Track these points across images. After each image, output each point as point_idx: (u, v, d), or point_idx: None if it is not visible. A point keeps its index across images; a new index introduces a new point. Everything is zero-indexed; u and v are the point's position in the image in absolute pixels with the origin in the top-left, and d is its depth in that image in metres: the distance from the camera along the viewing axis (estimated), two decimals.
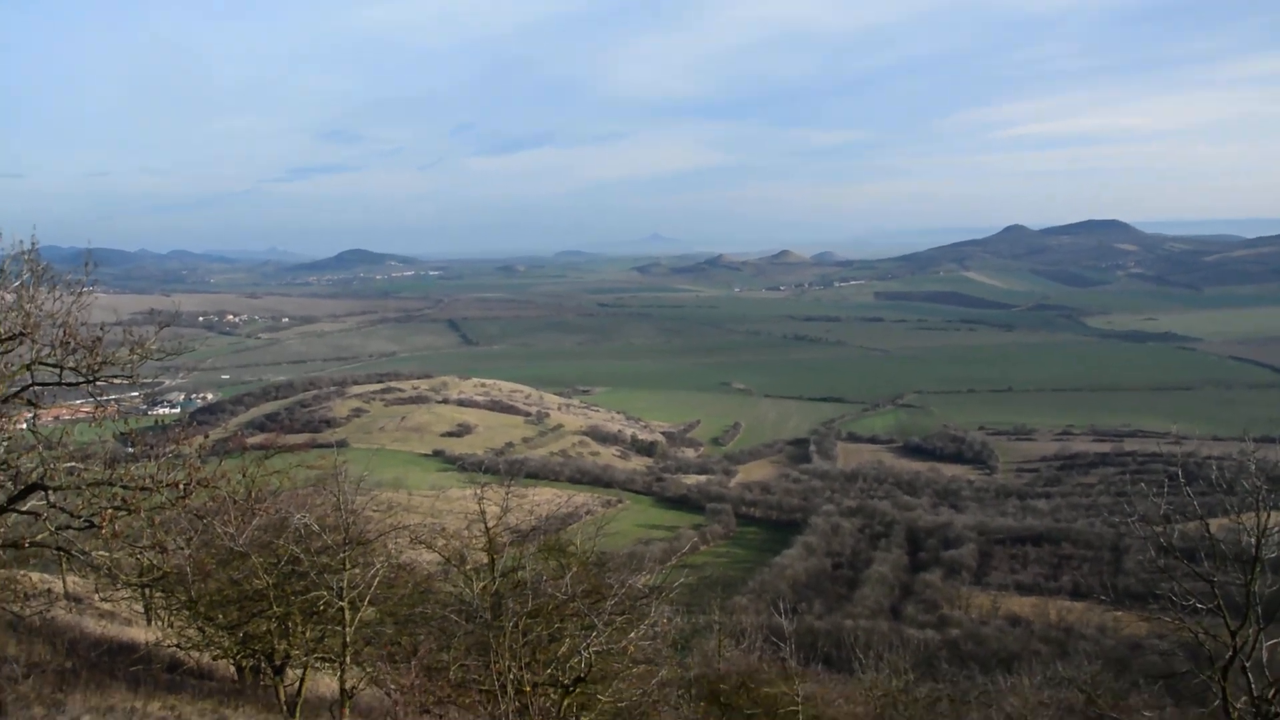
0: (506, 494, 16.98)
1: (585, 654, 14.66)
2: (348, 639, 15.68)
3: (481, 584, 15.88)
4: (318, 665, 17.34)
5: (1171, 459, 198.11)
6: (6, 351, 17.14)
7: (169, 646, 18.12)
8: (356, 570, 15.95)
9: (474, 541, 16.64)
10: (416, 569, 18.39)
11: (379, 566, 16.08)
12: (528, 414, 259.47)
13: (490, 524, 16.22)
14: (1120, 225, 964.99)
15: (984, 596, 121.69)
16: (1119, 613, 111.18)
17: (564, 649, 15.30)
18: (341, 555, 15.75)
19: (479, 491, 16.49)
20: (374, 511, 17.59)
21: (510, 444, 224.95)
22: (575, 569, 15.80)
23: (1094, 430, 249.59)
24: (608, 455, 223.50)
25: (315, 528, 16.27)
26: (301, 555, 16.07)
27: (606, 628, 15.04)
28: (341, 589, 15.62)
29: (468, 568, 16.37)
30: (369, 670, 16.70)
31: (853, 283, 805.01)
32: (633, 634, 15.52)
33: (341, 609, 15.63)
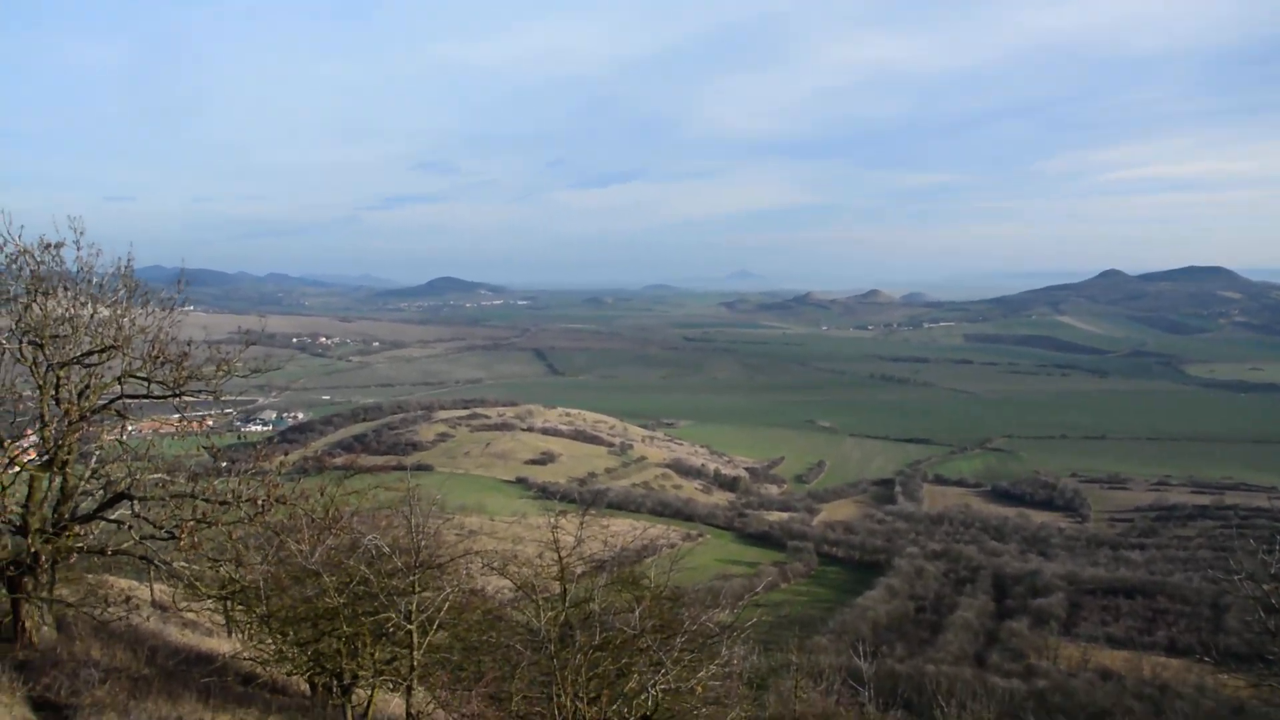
0: (582, 523, 16.79)
1: (653, 691, 14.29)
2: (415, 662, 15.66)
3: (551, 614, 15.57)
4: (385, 686, 17.38)
5: (1277, 514, 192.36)
6: (100, 364, 17.71)
7: (245, 659, 18.34)
8: (426, 594, 15.94)
9: (546, 570, 16.48)
10: (487, 595, 18.35)
11: (449, 591, 16.03)
12: (611, 445, 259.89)
13: (564, 553, 16.04)
14: (1223, 272, 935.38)
15: (1073, 648, 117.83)
16: (1224, 675, 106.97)
17: (631, 685, 14.91)
18: (411, 578, 15.75)
19: (553, 519, 16.32)
20: (452, 535, 17.64)
21: (593, 474, 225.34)
22: (647, 603, 15.47)
23: (1193, 481, 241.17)
24: (690, 489, 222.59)
25: (385, 549, 16.32)
26: (371, 576, 16.12)
27: (676, 665, 14.65)
28: (410, 612, 15.60)
29: (539, 596, 16.17)
30: (435, 695, 16.65)
31: (942, 324, 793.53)
32: (702, 673, 15.05)
33: (410, 631, 15.61)
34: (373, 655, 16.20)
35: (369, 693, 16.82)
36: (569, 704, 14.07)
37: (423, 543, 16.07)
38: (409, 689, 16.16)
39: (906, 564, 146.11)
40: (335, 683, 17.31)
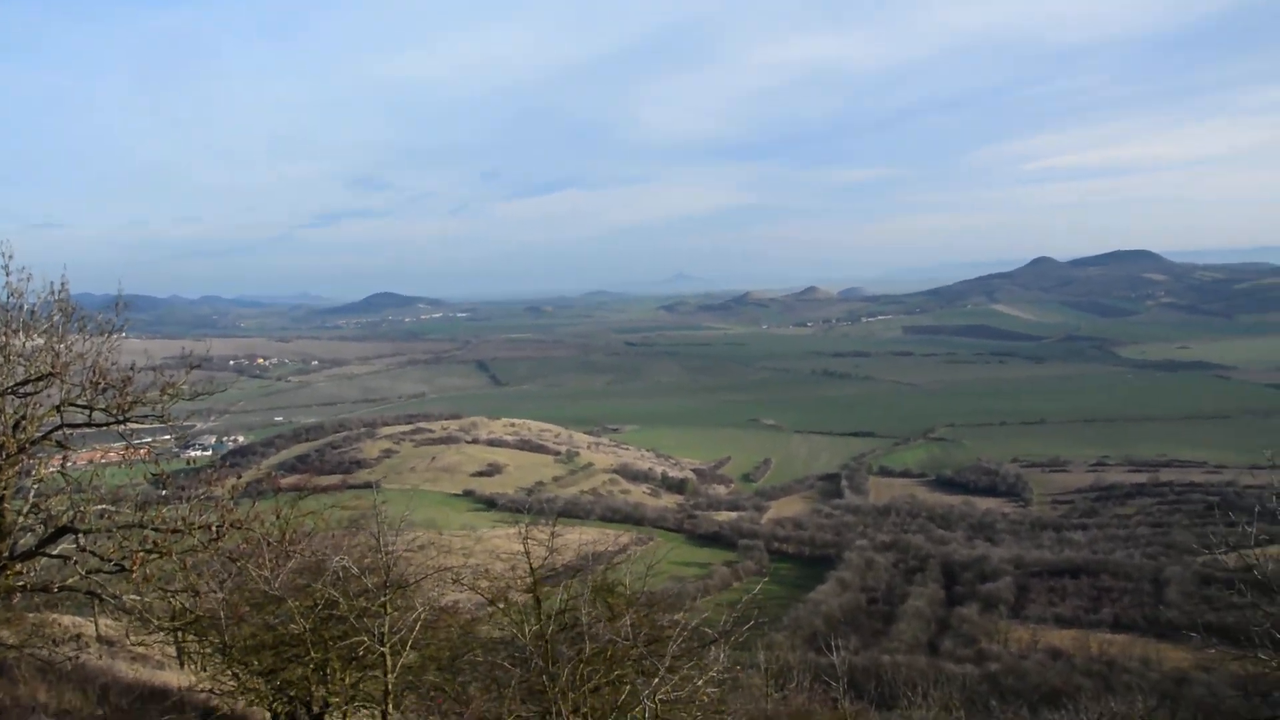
0: (552, 533, 16.45)
1: (650, 703, 13.88)
2: (389, 685, 15.28)
3: (535, 627, 15.09)
4: (357, 712, 16.98)
5: (1210, 489, 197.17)
6: (35, 393, 17.09)
7: (203, 691, 17.81)
8: (397, 614, 15.57)
9: (517, 582, 16.09)
10: (459, 612, 17.97)
11: (420, 610, 15.63)
12: (557, 453, 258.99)
13: (535, 563, 15.64)
14: (1149, 255, 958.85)
15: (1023, 630, 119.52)
16: (1166, 646, 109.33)
17: (624, 697, 14.51)
18: (382, 599, 15.37)
19: (523, 530, 15.93)
20: (409, 552, 17.20)
21: (540, 483, 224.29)
22: (633, 611, 15.11)
23: (1129, 461, 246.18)
24: (638, 493, 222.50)
25: (354, 570, 15.89)
26: (340, 599, 15.67)
27: (672, 675, 14.26)
28: (382, 634, 15.21)
29: (514, 610, 15.75)
30: (411, 718, 16.28)
31: (880, 318, 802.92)
32: (701, 681, 14.59)
33: (382, 654, 15.22)
34: (344, 680, 15.78)
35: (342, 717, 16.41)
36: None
37: (389, 561, 15.67)
38: (384, 713, 15.73)
39: (856, 556, 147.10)
40: (304, 711, 16.87)
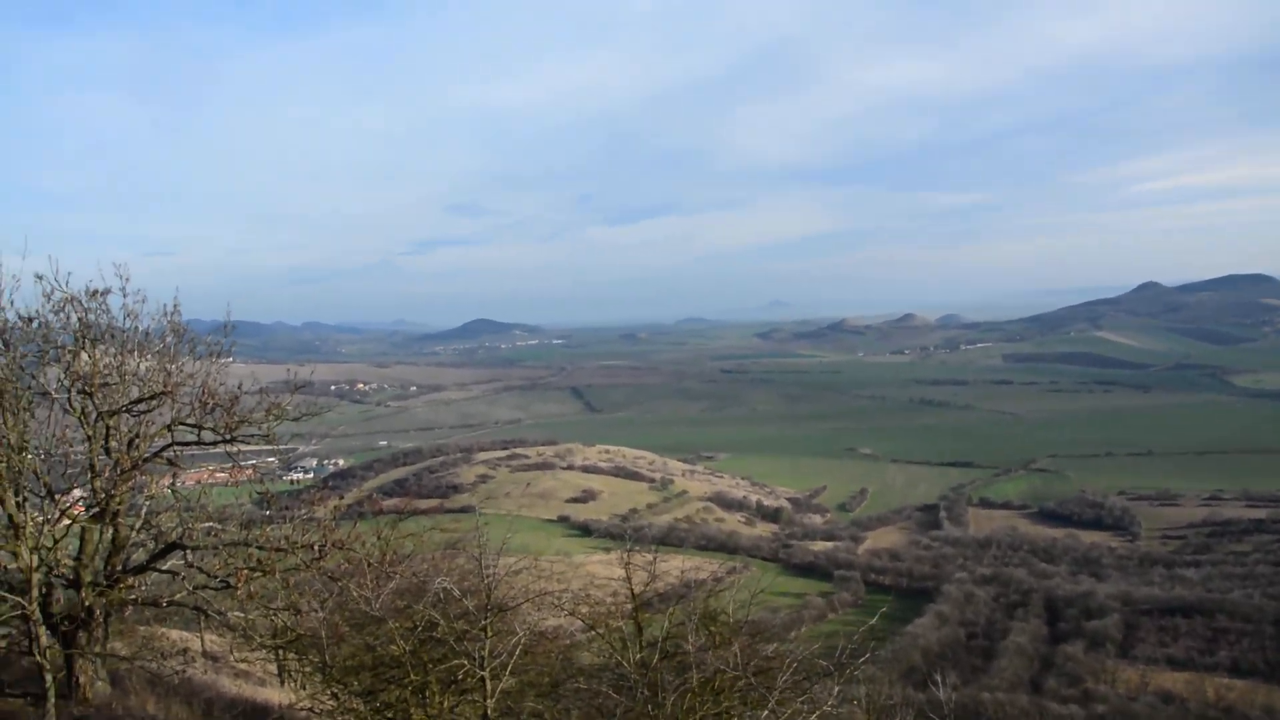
0: (654, 558, 16.22)
1: None
2: (489, 710, 15.19)
3: (638, 655, 14.73)
4: None
5: None
6: (148, 411, 17.62)
7: (302, 710, 18.01)
8: (496, 638, 15.52)
9: (617, 609, 15.86)
10: (559, 637, 17.85)
11: (521, 635, 15.53)
12: (652, 480, 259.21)
13: (636, 589, 15.37)
14: (1267, 279, 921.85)
15: (1132, 671, 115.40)
16: None
17: None
18: (483, 622, 15.33)
19: (624, 555, 15.73)
20: (509, 576, 17.13)
21: (634, 510, 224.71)
22: (740, 640, 14.73)
23: (1246, 495, 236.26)
24: (732, 521, 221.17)
25: (456, 592, 15.89)
26: (440, 621, 15.67)
27: (783, 708, 13.83)
28: (483, 657, 15.15)
29: (614, 636, 15.50)
30: None
31: (980, 345, 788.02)
32: (814, 716, 14.08)
33: (482, 679, 15.15)
34: (442, 704, 15.75)
35: None
36: None
37: (491, 585, 15.63)
38: None
39: (955, 589, 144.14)
40: None
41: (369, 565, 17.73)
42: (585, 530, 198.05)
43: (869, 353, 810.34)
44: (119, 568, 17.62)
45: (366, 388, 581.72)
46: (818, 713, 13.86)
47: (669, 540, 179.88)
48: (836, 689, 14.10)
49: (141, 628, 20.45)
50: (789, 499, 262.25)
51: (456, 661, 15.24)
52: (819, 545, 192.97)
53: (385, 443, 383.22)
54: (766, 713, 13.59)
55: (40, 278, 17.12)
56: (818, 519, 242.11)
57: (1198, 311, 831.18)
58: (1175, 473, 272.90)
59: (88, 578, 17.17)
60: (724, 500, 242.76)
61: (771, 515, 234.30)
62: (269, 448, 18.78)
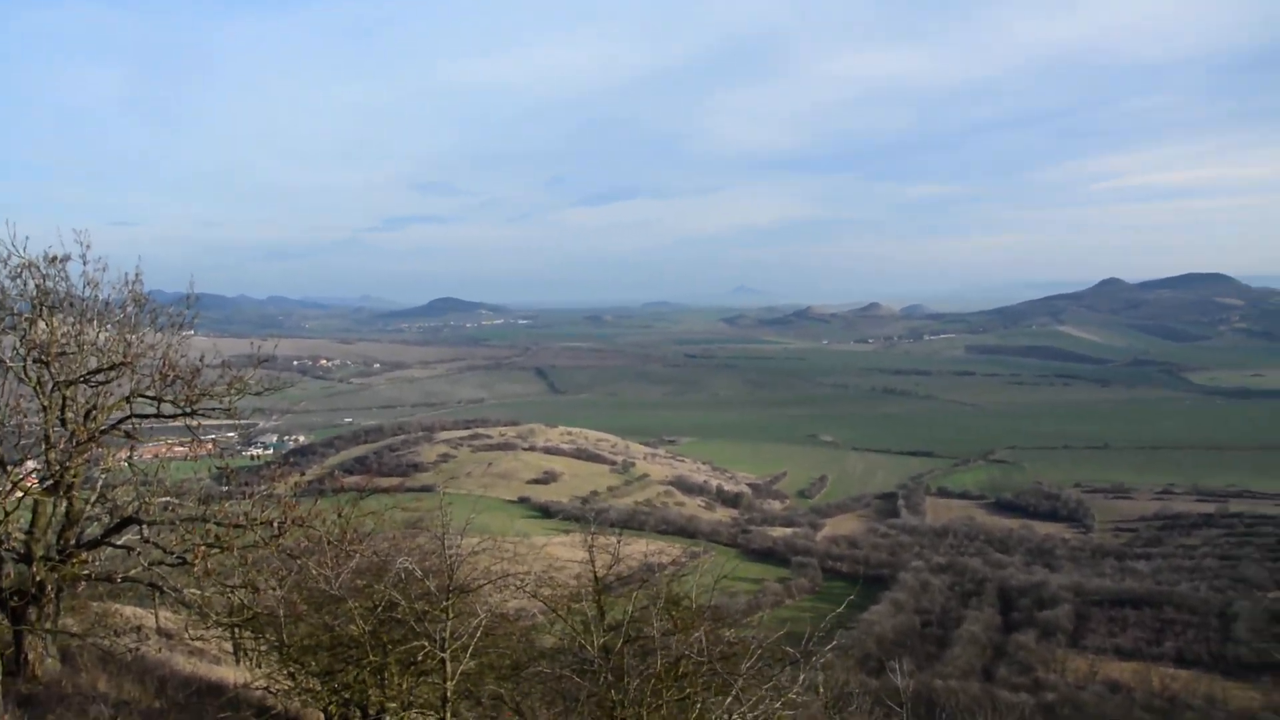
0: (618, 541, 16.07)
1: None
2: (448, 693, 15.03)
3: (602, 639, 14.51)
4: (415, 718, 16.77)
5: None
6: (107, 382, 17.26)
7: (258, 689, 17.78)
8: (457, 619, 15.33)
9: (579, 591, 15.69)
10: (520, 620, 17.69)
11: (482, 616, 15.34)
12: (613, 463, 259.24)
13: (599, 573, 15.18)
14: (1224, 279, 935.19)
15: (1081, 660, 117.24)
16: (1234, 685, 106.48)
17: (694, 716, 13.77)
18: (445, 603, 15.14)
19: (589, 538, 15.56)
20: (473, 556, 16.91)
21: (595, 492, 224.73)
22: (704, 626, 14.59)
23: (1197, 490, 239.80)
24: (693, 506, 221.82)
25: (418, 573, 15.67)
26: (401, 601, 15.44)
27: (749, 694, 13.70)
28: (444, 639, 14.96)
29: (576, 619, 15.32)
30: None
31: (943, 336, 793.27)
32: (779, 703, 13.92)
33: (443, 660, 14.97)
34: (401, 685, 15.57)
35: None
36: None
37: (454, 565, 15.42)
38: None
39: (911, 578, 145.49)
40: (359, 714, 16.72)
41: (329, 543, 17.49)
42: (546, 512, 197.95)
43: (833, 341, 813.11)
44: (72, 542, 17.30)
45: (329, 364, 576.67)
46: (783, 700, 13.77)
47: (630, 524, 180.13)
48: (802, 676, 14.01)
49: (94, 604, 20.07)
50: (749, 484, 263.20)
51: (417, 643, 15.08)
52: (778, 531, 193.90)
53: (350, 420, 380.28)
54: (730, 699, 13.52)
55: None
56: (777, 505, 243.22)
57: (1157, 309, 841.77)
58: (1130, 467, 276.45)
59: (39, 552, 16.83)
60: (685, 484, 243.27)
61: (731, 500, 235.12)
62: (230, 422, 18.51)
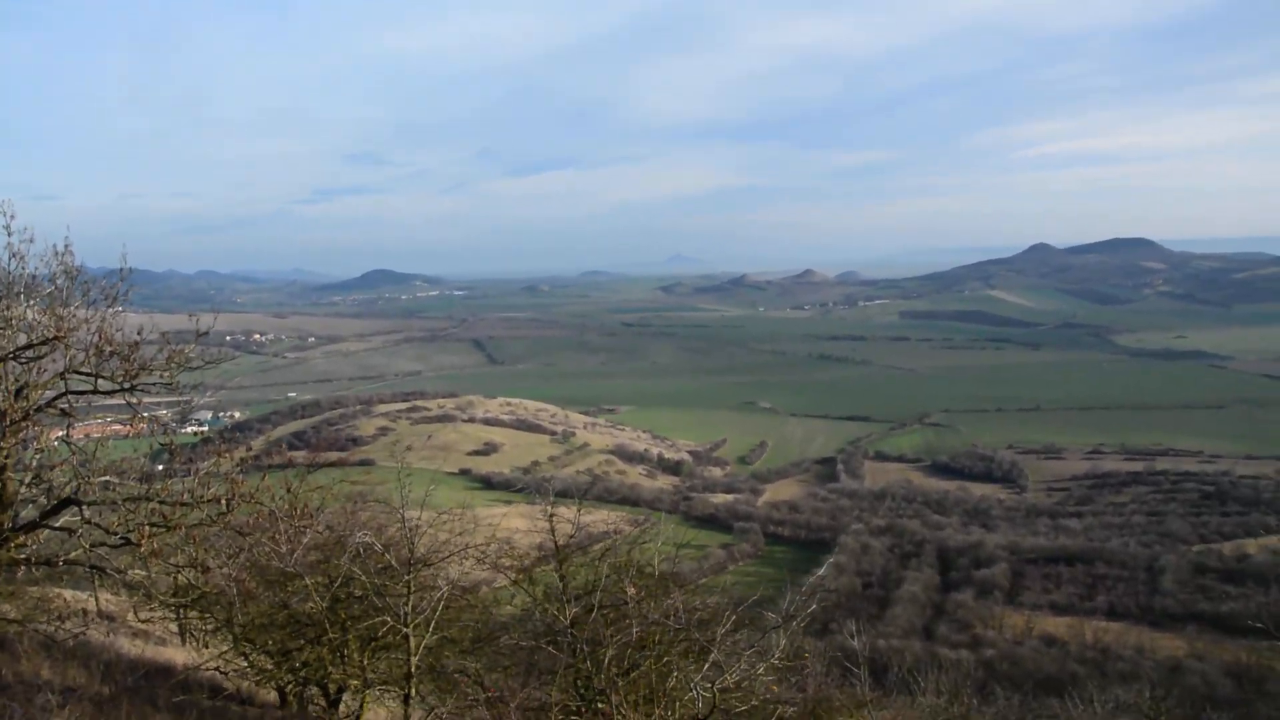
0: (579, 510, 15.76)
1: (703, 692, 12.76)
2: (412, 668, 14.70)
3: (573, 609, 14.19)
4: (376, 695, 16.42)
5: (1205, 478, 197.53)
6: (38, 358, 16.53)
7: (208, 669, 17.33)
8: (419, 593, 14.97)
9: (543, 562, 15.41)
10: (481, 592, 17.38)
11: (444, 589, 14.99)
12: (554, 433, 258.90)
13: (560, 541, 14.85)
14: (1147, 243, 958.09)
15: (1018, 616, 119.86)
16: (1160, 635, 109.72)
17: (672, 684, 13.49)
18: (406, 578, 14.75)
19: (548, 508, 15.20)
20: (431, 529, 16.54)
21: (536, 462, 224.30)
22: (682, 592, 14.32)
23: (1125, 449, 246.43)
24: (634, 474, 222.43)
25: (378, 547, 15.25)
26: (362, 577, 15.01)
27: (731, 661, 13.44)
28: (406, 614, 14.59)
29: (538, 590, 15.00)
30: (432, 702, 15.72)
31: (877, 302, 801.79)
32: (761, 667, 13.67)
33: (406, 635, 14.62)
34: (362, 662, 15.20)
35: (360, 703, 15.89)
36: (614, 710, 12.92)
37: (414, 539, 15.03)
38: (407, 697, 15.16)
39: (852, 541, 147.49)
40: (319, 692, 16.36)
41: (280, 519, 17.01)
42: (487, 483, 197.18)
43: (769, 308, 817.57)
44: (8, 525, 16.60)
45: (263, 338, 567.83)
46: (764, 665, 13.59)
47: (571, 493, 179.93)
48: (783, 642, 13.85)
49: (32, 589, 19.38)
50: (690, 452, 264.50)
51: (379, 619, 14.71)
52: (719, 498, 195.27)
53: (294, 394, 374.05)
54: (709, 666, 13.35)
55: None
56: (718, 472, 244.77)
57: (1084, 273, 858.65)
58: (1061, 427, 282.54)
59: None
60: (625, 453, 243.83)
61: (672, 468, 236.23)
62: (169, 399, 17.89)
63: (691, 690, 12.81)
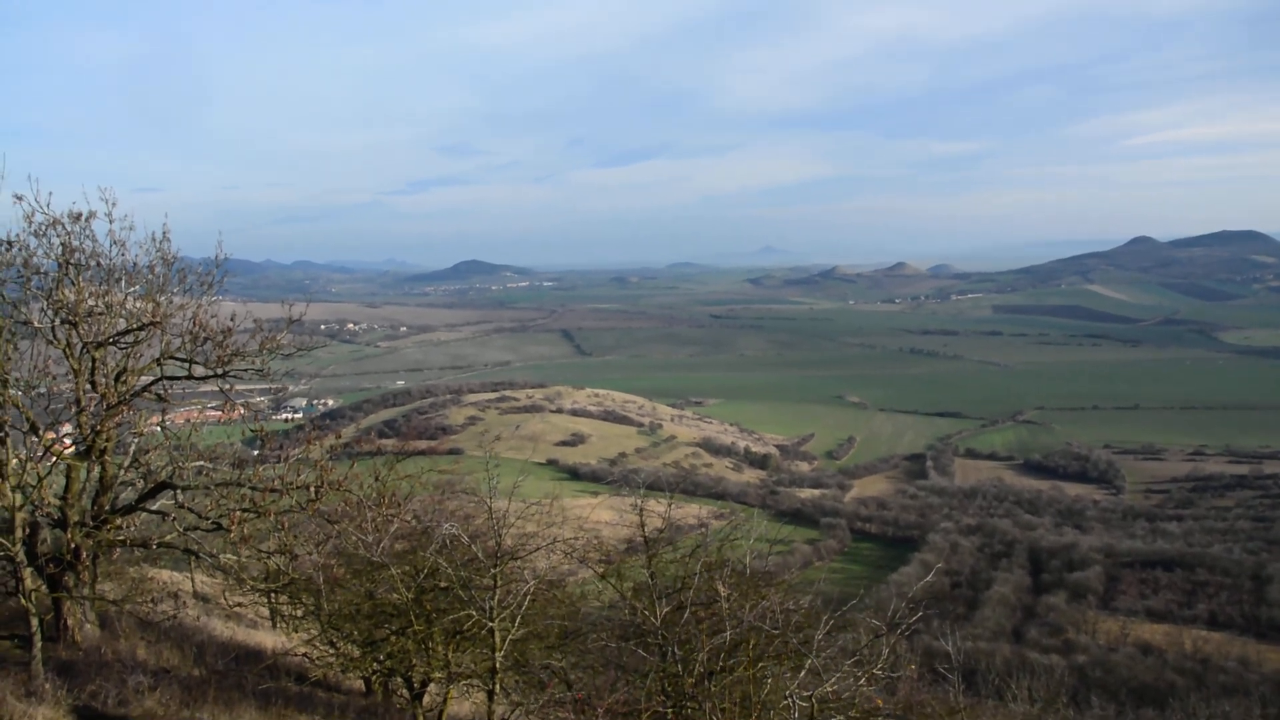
0: (670, 504, 15.40)
1: (800, 702, 11.99)
2: (497, 663, 14.56)
3: (665, 609, 13.71)
4: (461, 689, 16.35)
5: None
6: (137, 343, 16.83)
7: (298, 655, 17.49)
8: (505, 586, 14.81)
9: (631, 557, 15.07)
10: (569, 587, 17.18)
11: (531, 584, 14.79)
12: (640, 425, 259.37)
13: (650, 537, 14.42)
14: (1258, 236, 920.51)
15: (1112, 622, 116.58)
16: (1267, 647, 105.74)
17: (767, 692, 12.73)
18: (493, 571, 14.61)
19: (639, 502, 14.84)
20: (521, 520, 16.39)
21: (623, 454, 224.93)
22: (775, 593, 13.82)
23: (1230, 451, 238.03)
24: (720, 467, 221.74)
25: (464, 538, 15.12)
26: (448, 569, 14.86)
27: (833, 669, 12.78)
28: (491, 608, 14.44)
29: (626, 586, 14.65)
30: (519, 699, 15.59)
31: (970, 296, 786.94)
32: (863, 678, 13.10)
33: (491, 630, 14.48)
34: (446, 655, 15.13)
35: (444, 696, 15.85)
36: (709, 719, 12.43)
37: (502, 531, 14.88)
38: (491, 693, 15.05)
39: (941, 539, 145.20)
40: (403, 683, 16.38)
41: (368, 508, 17.08)
42: (574, 474, 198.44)
43: (860, 301, 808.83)
44: (106, 507, 16.98)
45: (356, 328, 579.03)
46: (865, 674, 12.98)
47: (657, 485, 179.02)
48: (885, 651, 13.25)
49: (130, 569, 19.84)
50: (777, 445, 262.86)
51: (465, 612, 14.57)
52: (806, 493, 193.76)
53: (402, 381, 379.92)
54: (805, 673, 12.70)
55: (20, 198, 16.09)
56: (805, 466, 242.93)
57: (1189, 267, 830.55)
58: (1160, 427, 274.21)
59: (74, 517, 16.53)
60: (712, 446, 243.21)
61: (759, 462, 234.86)
62: (261, 386, 18.13)
63: (787, 699, 12.23)
